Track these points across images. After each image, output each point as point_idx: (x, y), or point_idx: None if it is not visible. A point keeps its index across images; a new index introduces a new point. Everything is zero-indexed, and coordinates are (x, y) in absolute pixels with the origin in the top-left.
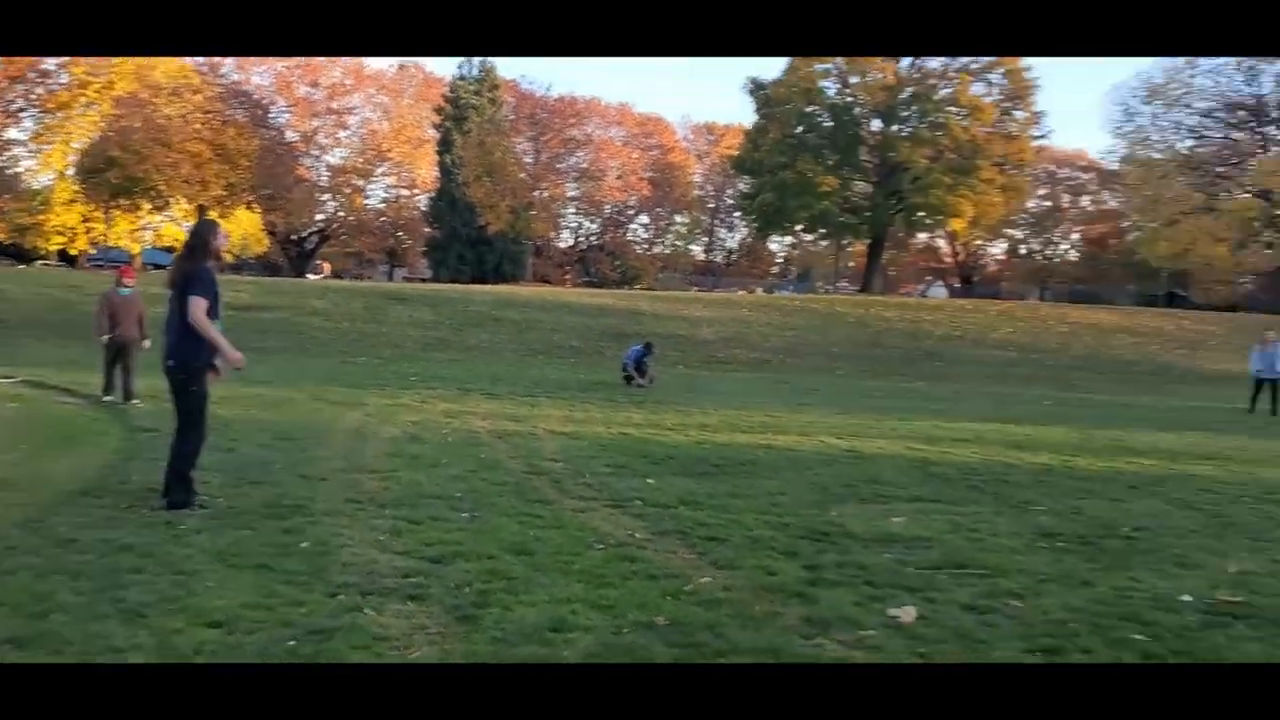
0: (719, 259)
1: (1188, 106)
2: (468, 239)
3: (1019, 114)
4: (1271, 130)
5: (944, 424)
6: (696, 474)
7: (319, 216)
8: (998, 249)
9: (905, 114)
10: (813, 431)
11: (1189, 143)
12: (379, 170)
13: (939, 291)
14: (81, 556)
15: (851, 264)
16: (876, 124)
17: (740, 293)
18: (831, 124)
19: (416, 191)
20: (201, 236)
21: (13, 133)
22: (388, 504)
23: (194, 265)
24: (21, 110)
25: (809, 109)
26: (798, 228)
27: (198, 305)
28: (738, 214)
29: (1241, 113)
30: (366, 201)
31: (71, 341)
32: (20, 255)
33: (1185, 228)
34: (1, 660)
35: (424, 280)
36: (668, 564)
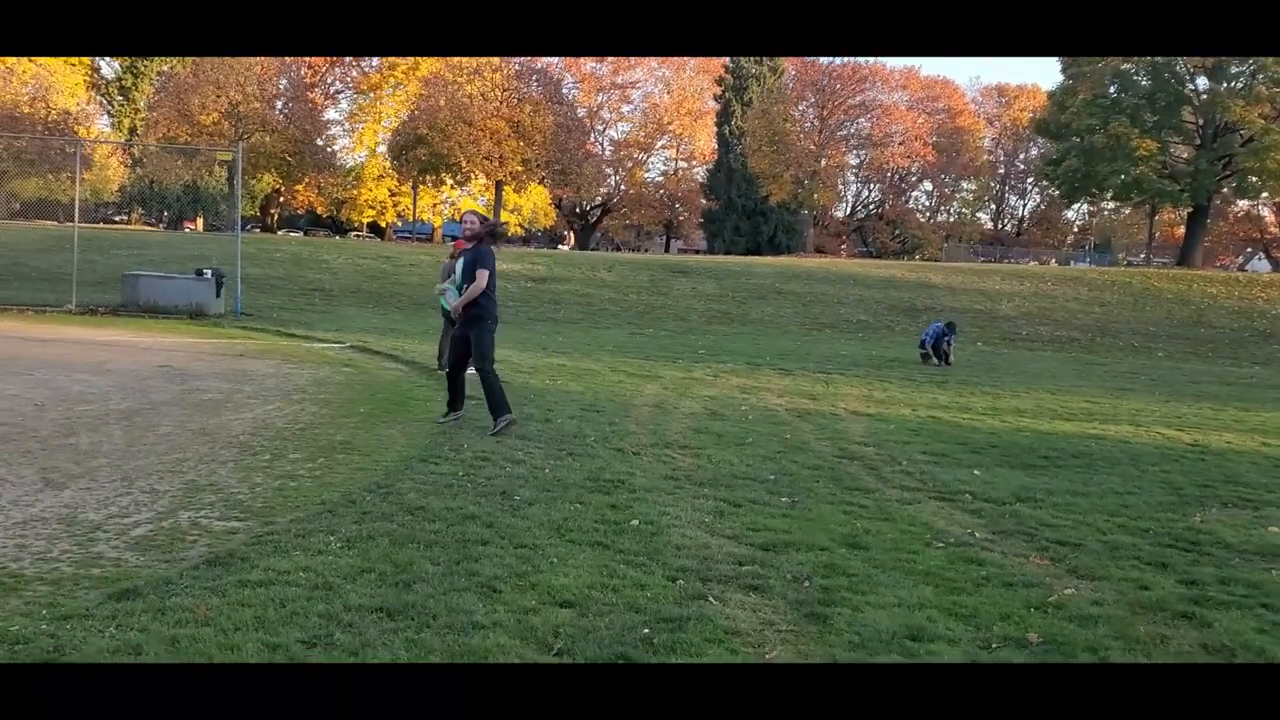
0: (1008, 228)
1: None
2: (744, 210)
3: None
4: None
5: None
6: (1026, 466)
7: (601, 190)
8: None
9: (1237, 69)
10: (1144, 421)
11: None
12: (659, 143)
13: (1262, 265)
14: (432, 525)
15: (1158, 234)
16: (1202, 81)
17: (1033, 264)
18: (1150, 82)
19: (695, 163)
20: (493, 228)
21: (330, 114)
22: (705, 483)
23: (483, 246)
24: (339, 92)
25: (1124, 67)
26: (1107, 195)
27: (482, 278)
28: (1030, 180)
29: None
30: (646, 174)
31: (389, 309)
32: (336, 227)
33: None
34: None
35: (698, 252)
36: (1021, 570)
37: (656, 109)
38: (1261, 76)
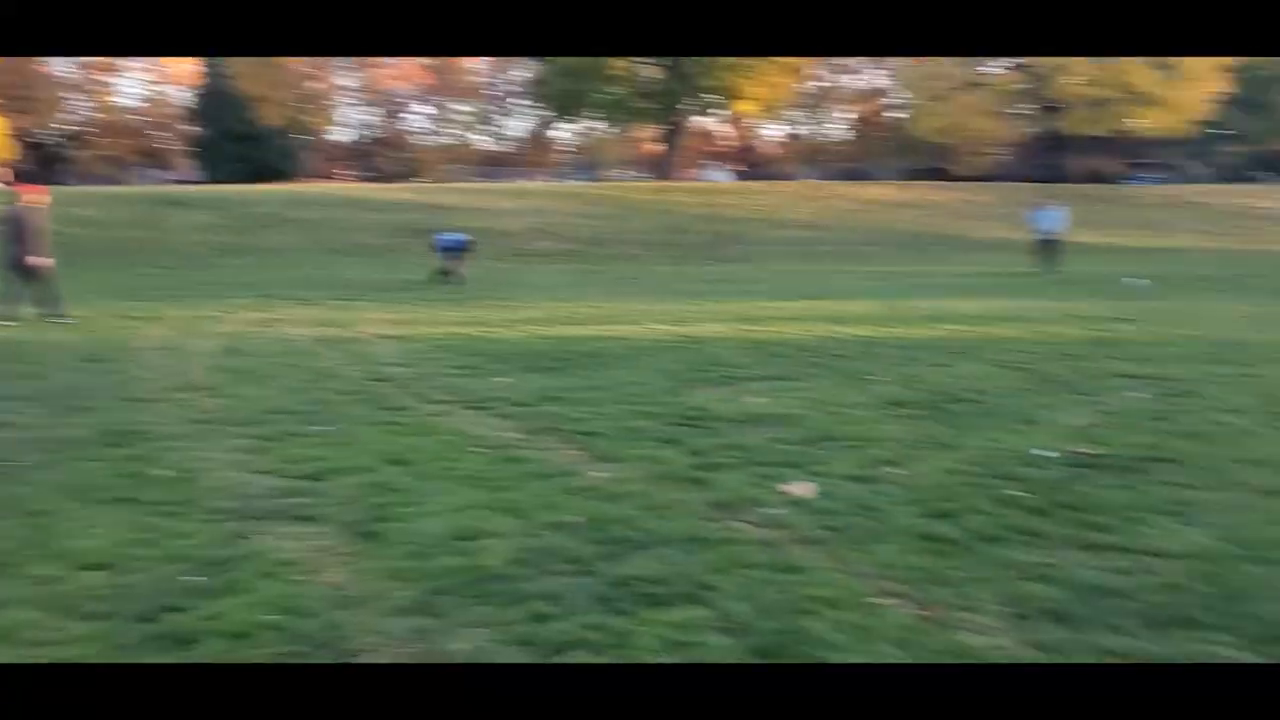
0: (506, 149)
1: None
2: (237, 136)
3: None
4: None
5: (763, 305)
6: (546, 369)
7: (69, 117)
8: (774, 131)
9: None
10: (642, 320)
11: None
12: (131, 66)
13: (719, 176)
14: None
15: (639, 151)
16: None
17: (531, 183)
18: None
19: (178, 87)
20: None
21: None
22: (234, 422)
23: None
24: None
25: None
26: (591, 115)
27: None
28: (522, 102)
29: None
30: (118, 100)
31: None
32: None
33: (954, 103)
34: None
35: (190, 183)
36: (554, 461)
37: None
38: None
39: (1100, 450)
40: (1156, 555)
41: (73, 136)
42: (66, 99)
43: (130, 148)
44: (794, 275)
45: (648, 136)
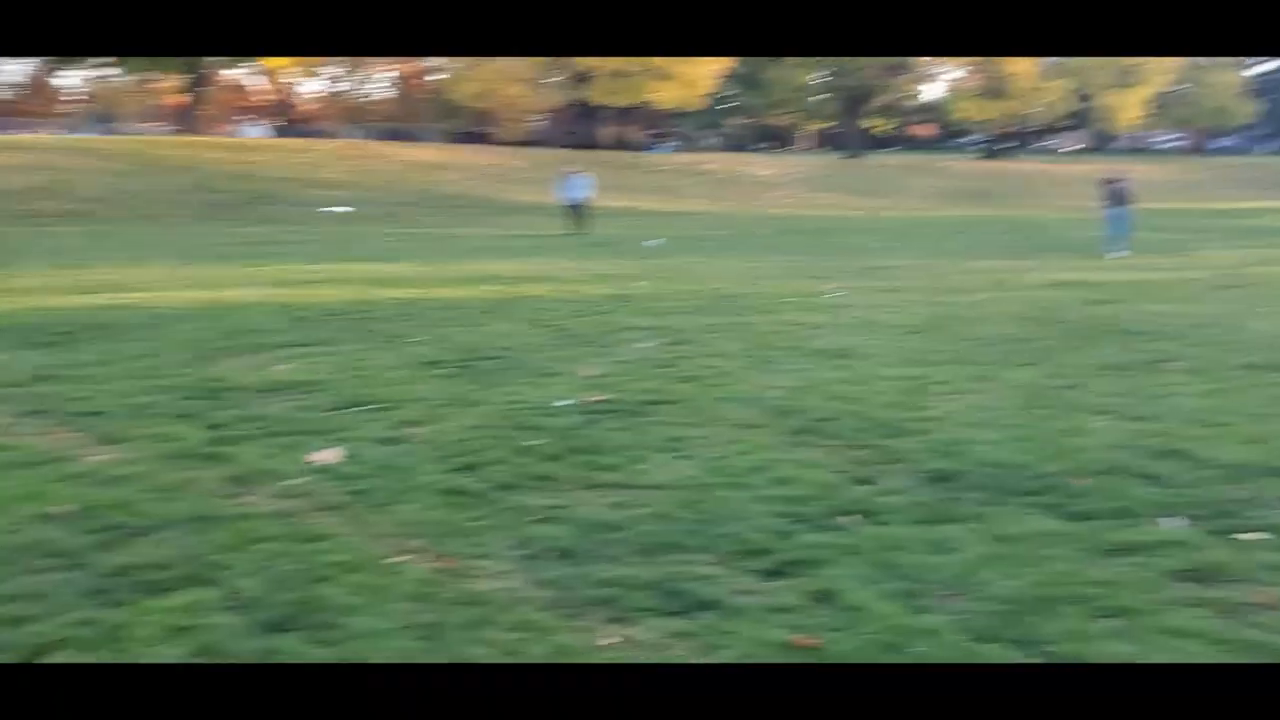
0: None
1: None
2: None
3: None
4: None
5: (297, 267)
6: (42, 345)
7: None
8: (313, 87)
9: None
10: (163, 286)
11: None
12: None
13: (256, 131)
14: None
15: (158, 102)
16: None
17: (34, 136)
18: None
19: None
20: None
21: None
22: None
23: None
24: None
25: None
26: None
27: None
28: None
29: None
30: None
31: None
32: None
33: (488, 69)
34: None
35: None
36: (44, 447)
37: None
38: None
39: (611, 397)
40: (652, 488)
41: None
42: None
43: None
44: (330, 236)
45: (171, 87)
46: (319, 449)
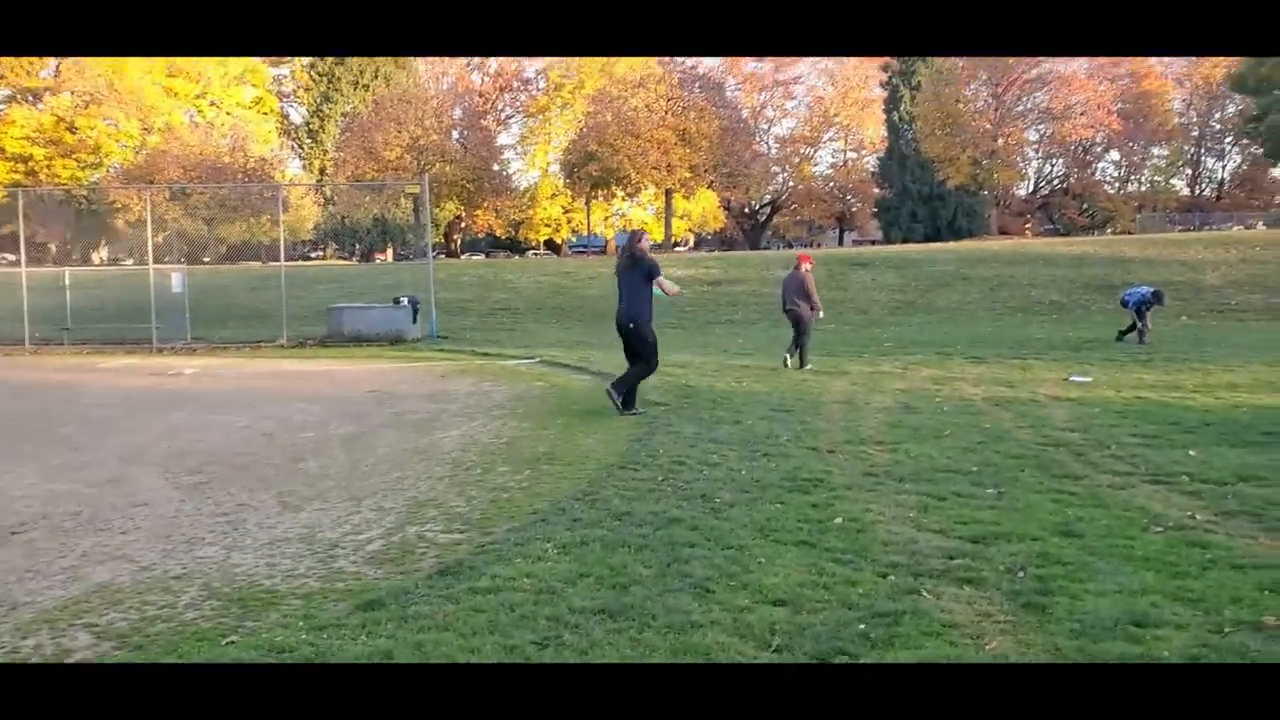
0: (1207, 193)
1: None
2: (920, 196)
3: None
4: None
5: None
6: (1245, 443)
7: (770, 188)
8: None
9: None
10: None
11: None
12: (826, 136)
13: None
14: (639, 529)
15: None
16: None
17: (1237, 229)
18: None
19: (864, 153)
20: (640, 246)
21: (503, 138)
22: (905, 478)
23: (641, 256)
24: (510, 117)
25: None
26: None
27: (663, 279)
28: (1229, 140)
29: None
30: (814, 168)
31: (572, 323)
32: (515, 247)
33: None
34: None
35: (874, 243)
36: (1250, 551)
37: (821, 102)
38: None
39: None
40: None
41: (774, 204)
42: (771, 171)
43: (822, 211)
44: None
45: None
46: None
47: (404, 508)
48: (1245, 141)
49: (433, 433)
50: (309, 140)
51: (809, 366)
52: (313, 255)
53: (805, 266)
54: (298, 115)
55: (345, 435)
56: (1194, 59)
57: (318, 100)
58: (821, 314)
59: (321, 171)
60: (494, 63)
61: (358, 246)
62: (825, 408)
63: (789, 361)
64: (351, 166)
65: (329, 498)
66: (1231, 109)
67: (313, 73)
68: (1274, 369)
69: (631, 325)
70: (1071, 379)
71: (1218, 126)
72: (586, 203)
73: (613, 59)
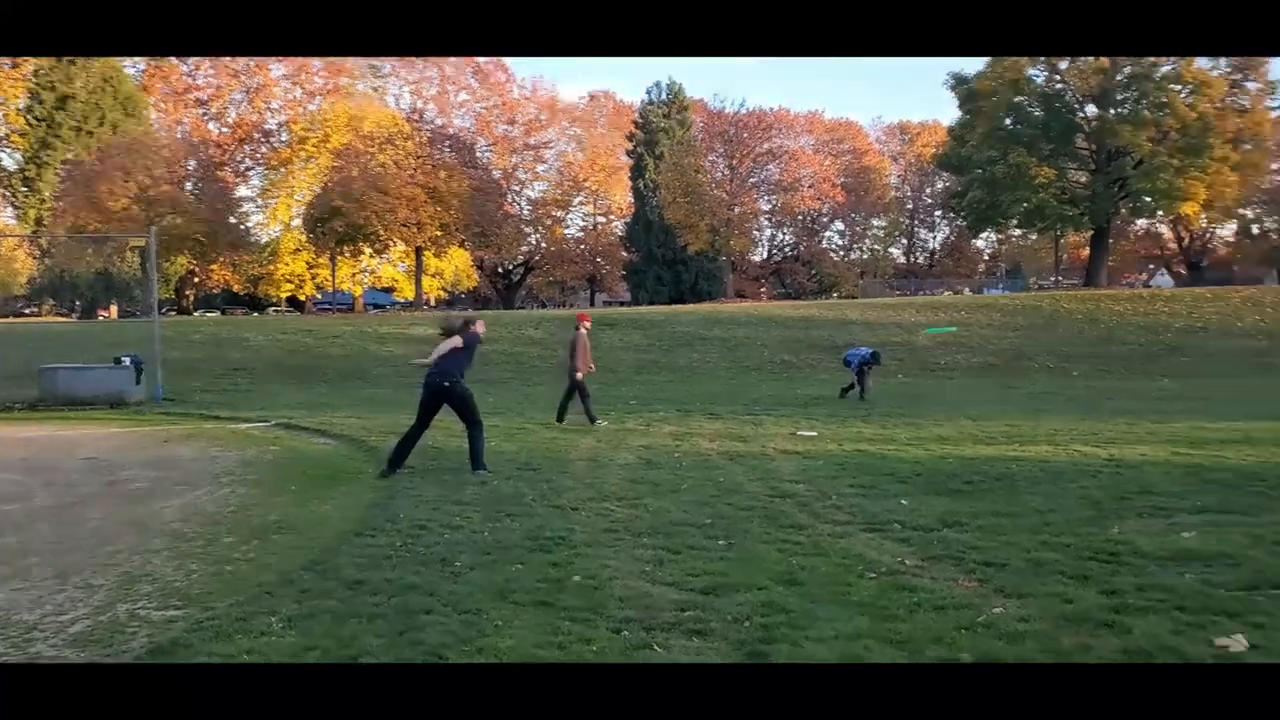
0: (921, 261)
1: None
2: (664, 260)
3: (1251, 85)
4: None
5: (1206, 424)
6: (951, 491)
7: (523, 249)
8: (1227, 231)
9: (1123, 96)
10: (1062, 440)
11: None
12: (576, 200)
13: (1164, 280)
14: (373, 598)
15: (1065, 256)
16: (1091, 109)
17: (947, 294)
18: (1043, 113)
19: (613, 218)
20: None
21: (243, 190)
22: (643, 532)
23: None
24: (249, 169)
25: (1017, 99)
26: (1012, 223)
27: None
28: (939, 213)
29: None
30: (566, 231)
31: (315, 383)
32: (254, 304)
33: None
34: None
35: (623, 304)
36: (951, 593)
37: (571, 166)
38: (1145, 101)
39: None
40: None
41: (527, 265)
42: (524, 232)
43: (574, 272)
44: (1243, 391)
45: (1076, 242)
46: (1230, 633)
47: (115, 584)
48: (951, 215)
49: (151, 502)
50: (24, 188)
51: (565, 423)
52: (27, 311)
53: (583, 327)
54: (11, 161)
55: (53, 506)
56: (908, 139)
57: (35, 146)
58: (580, 374)
59: (38, 222)
60: (233, 112)
61: (78, 302)
62: (571, 465)
63: (596, 422)
64: (72, 217)
65: (30, 575)
66: (941, 185)
67: (30, 117)
68: (977, 422)
69: (447, 384)
70: (799, 433)
71: (929, 200)
72: (332, 259)
73: (360, 114)
